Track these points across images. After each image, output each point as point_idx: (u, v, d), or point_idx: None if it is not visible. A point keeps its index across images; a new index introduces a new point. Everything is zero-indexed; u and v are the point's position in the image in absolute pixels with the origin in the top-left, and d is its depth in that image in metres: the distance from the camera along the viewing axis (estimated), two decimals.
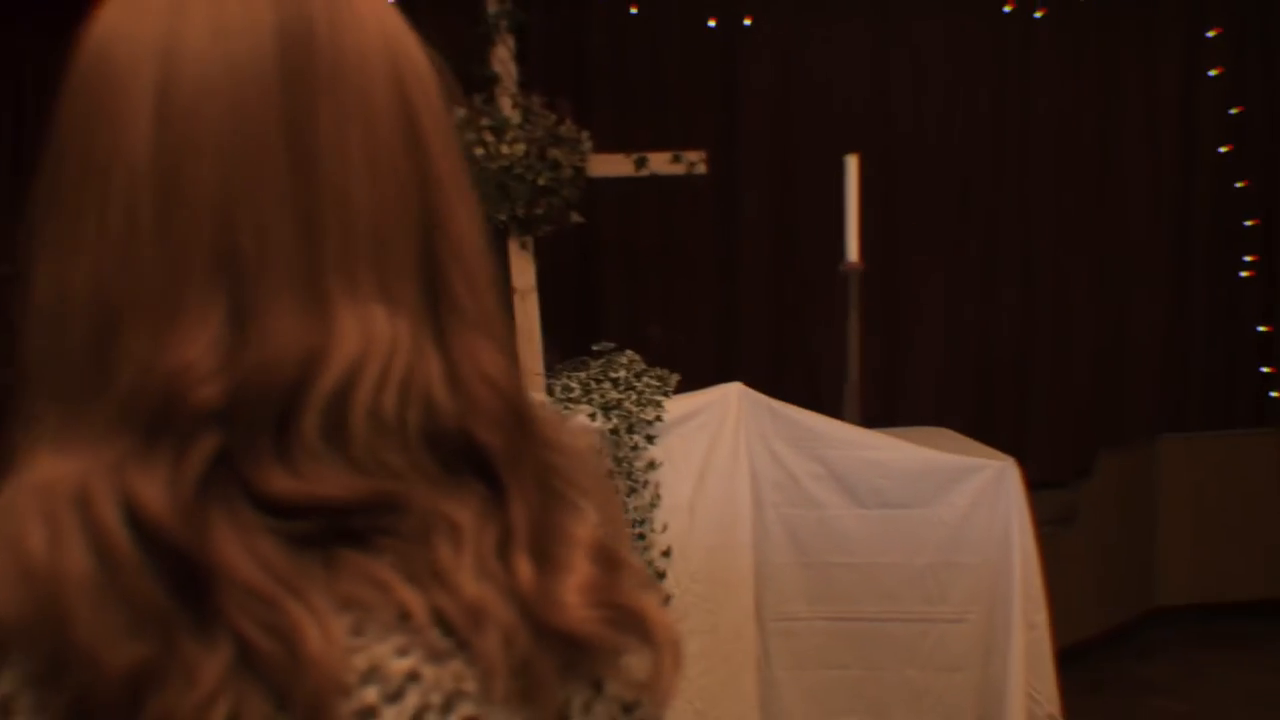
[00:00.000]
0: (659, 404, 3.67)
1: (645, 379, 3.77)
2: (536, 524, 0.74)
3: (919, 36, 5.84)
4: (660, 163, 4.45)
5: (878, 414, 5.06)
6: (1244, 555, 6.16)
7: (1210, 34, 6.05)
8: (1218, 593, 6.12)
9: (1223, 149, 6.14)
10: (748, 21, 5.72)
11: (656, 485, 3.63)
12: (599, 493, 0.79)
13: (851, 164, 4.10)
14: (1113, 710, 5.15)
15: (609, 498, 0.80)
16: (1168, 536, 6.13)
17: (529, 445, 0.76)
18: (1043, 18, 5.85)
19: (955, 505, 3.78)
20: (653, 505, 3.62)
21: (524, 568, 0.72)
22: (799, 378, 5.70)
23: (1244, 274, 6.25)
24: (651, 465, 3.63)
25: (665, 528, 3.60)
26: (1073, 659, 5.40)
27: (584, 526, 0.76)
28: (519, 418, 0.76)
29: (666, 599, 3.55)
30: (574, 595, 0.73)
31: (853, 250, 4.11)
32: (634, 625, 0.75)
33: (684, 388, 3.80)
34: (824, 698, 3.82)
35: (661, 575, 3.57)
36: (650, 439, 3.64)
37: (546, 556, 0.73)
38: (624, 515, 0.76)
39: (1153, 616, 6.09)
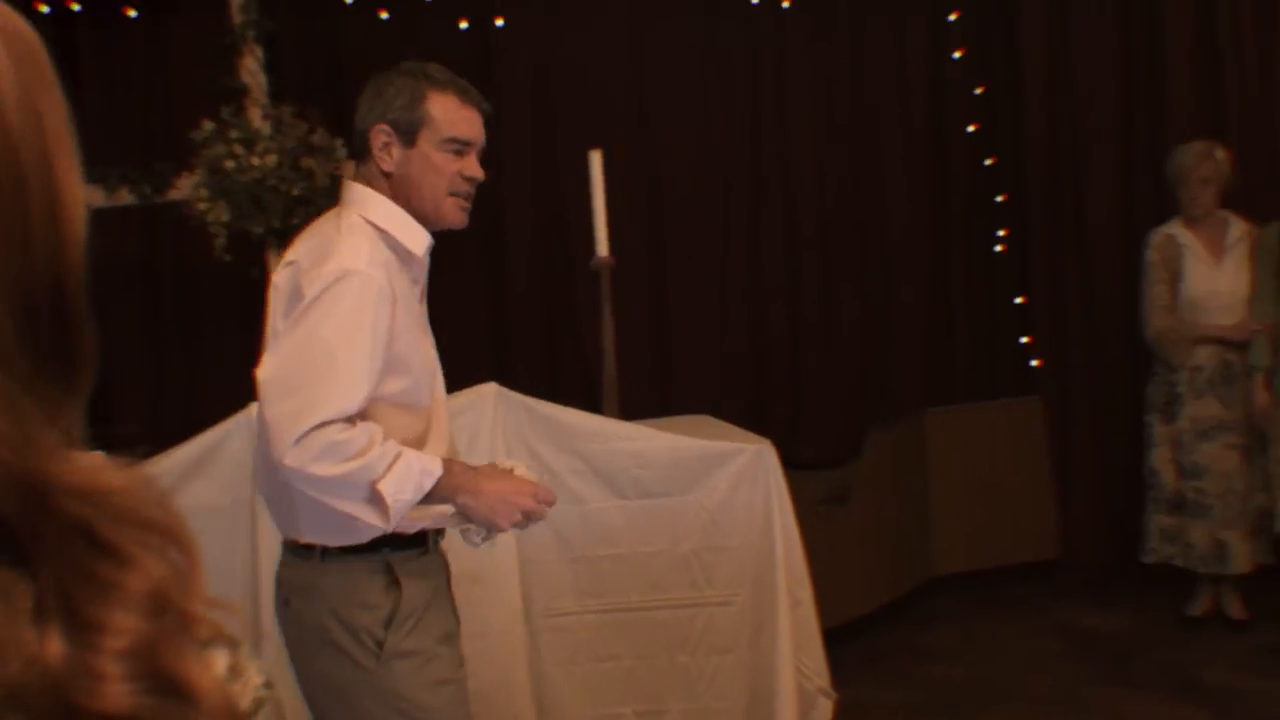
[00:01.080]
0: None
1: None
2: (69, 588, 0.68)
3: (672, 30, 6.00)
4: None
5: (653, 405, 5.23)
6: (1013, 521, 6.51)
7: (951, 17, 6.36)
8: (990, 559, 6.45)
9: (970, 128, 6.45)
10: (499, 22, 5.82)
11: None
12: (164, 538, 0.73)
13: (595, 159, 4.22)
14: (895, 679, 5.40)
15: (179, 542, 0.74)
16: (940, 507, 6.44)
17: (52, 503, 0.69)
18: (790, 7, 6.07)
19: (715, 490, 3.93)
20: None
21: (54, 643, 0.66)
22: (574, 374, 5.83)
23: (998, 248, 6.58)
24: None
25: None
26: (856, 632, 5.66)
27: (137, 578, 0.70)
28: (30, 478, 0.69)
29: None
30: (113, 665, 0.67)
31: (602, 245, 4.24)
32: (179, 694, 0.70)
33: (453, 390, 3.88)
34: (598, 690, 3.94)
35: None
36: None
37: (83, 623, 0.67)
38: (193, 545, 0.74)
39: (931, 586, 6.39)
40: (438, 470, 2.60)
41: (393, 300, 2.64)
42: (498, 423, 3.79)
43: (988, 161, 6.51)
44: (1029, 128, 6.45)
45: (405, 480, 2.55)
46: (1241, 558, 5.55)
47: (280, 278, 2.74)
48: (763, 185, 6.17)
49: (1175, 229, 5.66)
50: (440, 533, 2.89)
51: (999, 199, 6.54)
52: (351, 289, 2.59)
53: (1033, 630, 5.89)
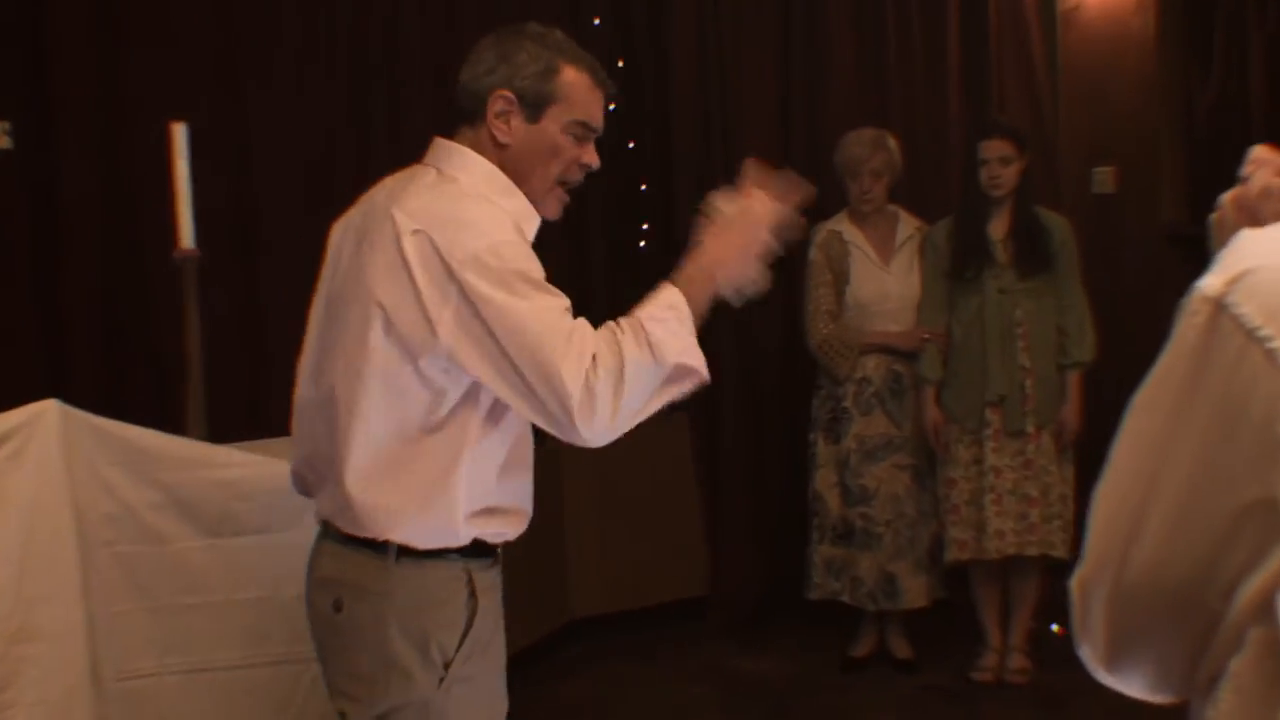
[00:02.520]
0: None
1: None
2: None
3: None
4: None
5: (248, 425, 5.11)
6: (657, 556, 6.68)
7: None
8: (635, 599, 6.61)
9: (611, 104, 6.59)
10: None
11: None
12: None
13: (178, 132, 4.11)
14: None
15: None
16: (577, 543, 6.56)
17: None
18: None
19: None
20: None
21: None
22: (146, 386, 5.66)
23: (641, 244, 6.77)
24: None
25: None
26: None
27: None
28: None
29: None
30: None
31: (186, 235, 4.14)
32: None
33: (5, 407, 3.72)
34: None
35: None
36: None
37: None
38: None
39: (568, 630, 6.50)
40: (676, 295, 2.79)
41: None
42: (60, 446, 3.64)
43: (630, 144, 6.67)
44: (675, 111, 6.65)
45: (671, 331, 2.74)
46: (912, 592, 5.88)
47: (409, 246, 2.71)
48: (369, 167, 6.13)
49: (841, 225, 5.93)
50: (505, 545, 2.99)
51: (642, 187, 6.72)
52: (509, 250, 2.71)
53: (684, 676, 6.08)
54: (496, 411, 2.82)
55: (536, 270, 2.73)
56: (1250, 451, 1.23)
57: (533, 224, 2.93)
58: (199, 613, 3.82)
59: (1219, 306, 1.24)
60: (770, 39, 6.77)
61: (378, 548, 2.81)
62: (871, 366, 5.86)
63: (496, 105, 2.87)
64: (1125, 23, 6.89)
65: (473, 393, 2.79)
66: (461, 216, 2.76)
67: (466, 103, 2.92)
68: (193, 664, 3.82)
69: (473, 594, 2.84)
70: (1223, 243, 1.54)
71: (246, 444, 4.16)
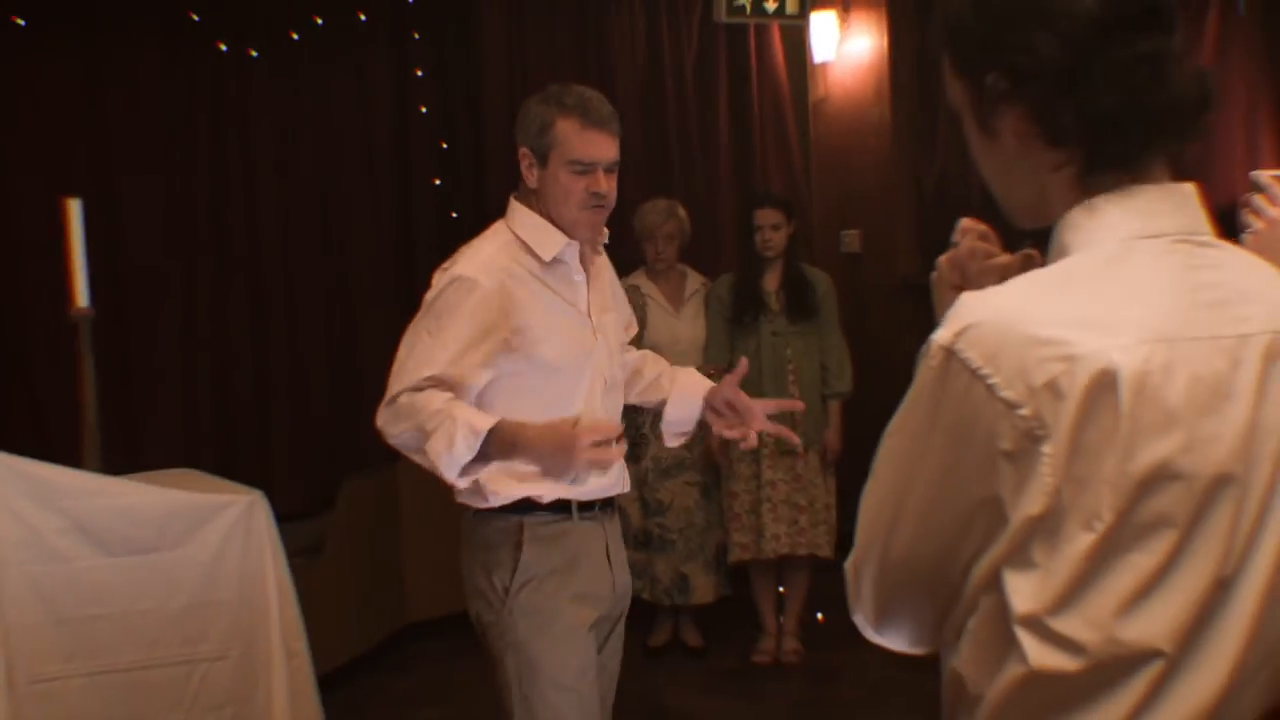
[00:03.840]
0: None
1: None
2: None
3: (135, 73, 5.88)
4: None
5: (122, 462, 5.07)
6: None
7: (418, 72, 6.58)
8: (462, 603, 6.63)
9: (436, 180, 6.68)
10: None
11: None
12: None
13: (72, 208, 4.12)
14: None
15: None
16: (412, 554, 6.59)
17: None
18: (259, 56, 6.09)
19: (207, 543, 3.91)
20: None
21: None
22: (26, 428, 5.58)
23: None
24: None
25: None
26: (335, 681, 5.68)
27: None
28: None
29: None
30: None
31: (81, 295, 4.14)
32: None
33: None
34: None
35: None
36: None
37: None
38: None
39: (406, 632, 6.52)
40: (483, 429, 2.92)
41: (499, 298, 3.08)
42: None
43: (454, 215, 6.74)
44: (489, 189, 6.74)
45: (449, 438, 2.92)
46: (702, 589, 6.04)
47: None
48: (231, 237, 6.13)
49: (639, 280, 6.07)
50: (596, 504, 3.26)
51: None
52: (452, 290, 3.10)
53: None
54: (497, 400, 3.13)
55: (457, 313, 3.07)
56: (978, 461, 1.39)
57: (552, 247, 3.18)
58: (100, 622, 3.78)
59: (950, 352, 1.39)
60: None
61: (463, 509, 3.26)
62: None
63: (523, 161, 3.20)
64: (866, 111, 7.15)
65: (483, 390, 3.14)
66: (465, 254, 3.21)
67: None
68: (96, 667, 3.79)
69: (519, 544, 3.16)
70: (941, 295, 1.73)
71: (136, 475, 4.16)
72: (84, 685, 3.78)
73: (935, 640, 1.54)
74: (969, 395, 1.37)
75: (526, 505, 3.18)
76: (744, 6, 6.84)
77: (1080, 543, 1.35)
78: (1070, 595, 1.36)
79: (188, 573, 3.91)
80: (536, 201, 3.21)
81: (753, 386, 5.77)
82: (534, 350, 3.15)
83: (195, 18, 5.87)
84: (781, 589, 6.12)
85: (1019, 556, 1.38)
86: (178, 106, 5.95)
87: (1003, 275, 1.61)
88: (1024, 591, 1.37)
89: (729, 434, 3.43)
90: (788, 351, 5.86)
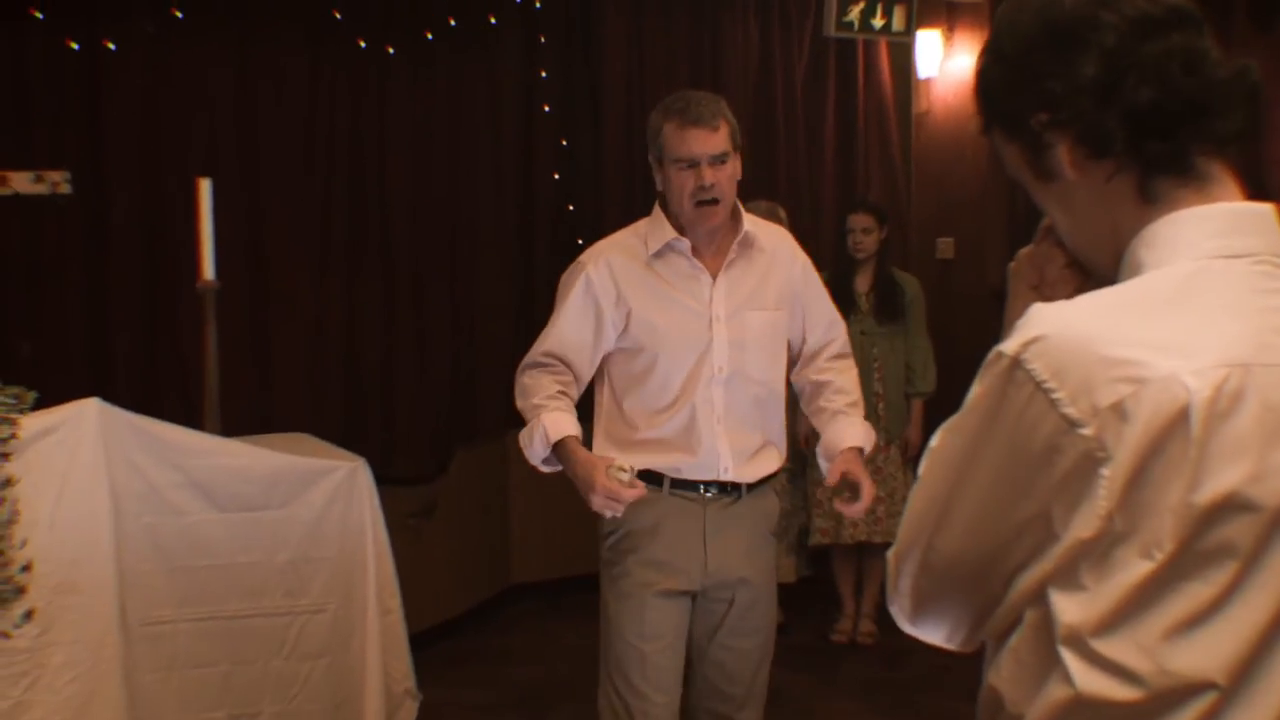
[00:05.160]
0: (13, 422, 3.54)
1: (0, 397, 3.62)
2: None
3: (280, 65, 5.87)
4: (22, 182, 4.30)
5: (254, 423, 5.07)
6: (586, 533, 6.66)
7: (542, 73, 6.50)
8: (564, 569, 6.59)
9: (556, 175, 6.61)
10: (111, 45, 5.53)
11: (15, 502, 3.49)
12: None
13: (204, 186, 4.11)
14: (479, 679, 5.46)
15: None
16: (518, 521, 6.55)
17: None
18: (395, 53, 6.05)
19: (312, 504, 3.89)
20: (11, 521, 3.48)
21: None
22: (174, 391, 5.60)
23: None
24: (9, 482, 3.49)
25: (25, 543, 3.48)
26: (441, 636, 5.69)
27: None
28: None
29: (29, 614, 3.44)
30: None
31: (208, 268, 4.13)
32: None
33: (57, 404, 3.67)
34: (194, 696, 3.80)
35: (21, 590, 3.45)
36: (5, 456, 3.50)
37: None
38: None
39: (509, 593, 6.48)
40: (554, 439, 3.19)
41: (607, 282, 3.27)
42: (99, 436, 3.60)
43: (570, 207, 6.66)
44: (605, 184, 6.65)
45: (531, 435, 3.25)
46: (784, 569, 5.90)
47: None
48: (361, 217, 6.11)
49: None
50: (699, 484, 3.32)
51: (579, 241, 6.70)
52: (567, 275, 3.38)
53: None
54: (615, 372, 3.36)
55: (569, 296, 3.33)
56: (1031, 475, 1.26)
57: (659, 240, 3.30)
58: (209, 572, 3.79)
59: (1016, 362, 1.26)
60: None
61: None
62: None
63: (654, 169, 3.32)
64: (965, 125, 6.96)
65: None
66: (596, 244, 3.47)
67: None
68: (203, 614, 3.79)
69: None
70: (1015, 290, 1.59)
71: (251, 438, 4.14)
72: (191, 630, 3.78)
73: (970, 641, 1.42)
74: (1029, 407, 1.25)
75: (644, 475, 3.23)
76: (853, 23, 6.68)
77: (1136, 570, 1.21)
78: (1119, 620, 1.23)
79: (292, 530, 3.89)
80: (665, 203, 3.32)
81: None
82: (640, 333, 3.25)
83: (338, 16, 5.83)
84: (860, 574, 5.98)
85: (1066, 577, 1.25)
86: (319, 98, 5.92)
87: (1080, 285, 1.48)
88: (1071, 612, 1.25)
89: (842, 508, 3.39)
90: (874, 350, 5.72)
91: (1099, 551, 1.22)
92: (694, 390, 3.26)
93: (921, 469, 1.41)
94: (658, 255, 3.29)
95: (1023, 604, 1.30)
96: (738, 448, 3.31)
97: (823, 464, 3.44)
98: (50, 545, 3.49)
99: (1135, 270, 1.34)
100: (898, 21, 6.76)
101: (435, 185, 6.21)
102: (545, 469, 3.31)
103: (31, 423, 3.52)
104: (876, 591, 5.92)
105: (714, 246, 3.35)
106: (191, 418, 4.34)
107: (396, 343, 6.20)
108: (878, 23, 6.72)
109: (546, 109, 6.52)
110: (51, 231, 5.41)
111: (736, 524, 3.35)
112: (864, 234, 5.71)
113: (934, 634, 1.44)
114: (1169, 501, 1.20)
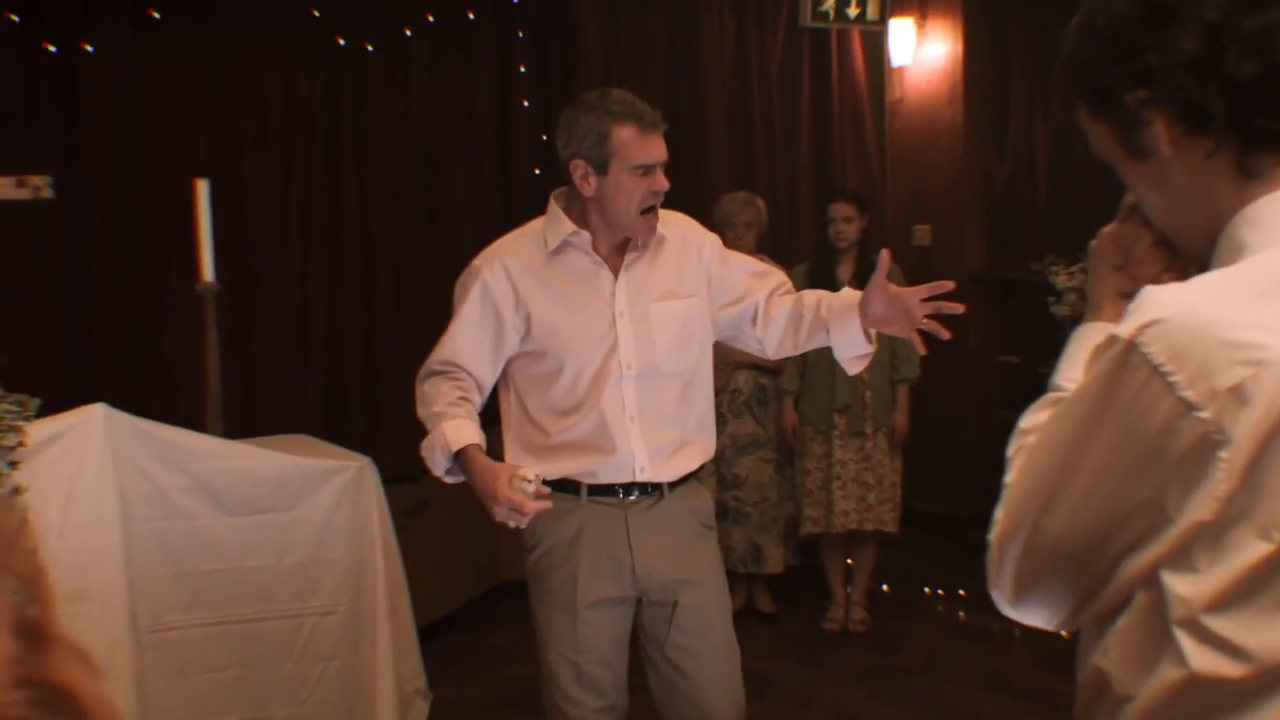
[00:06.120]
0: (19, 430, 3.50)
1: (3, 405, 3.58)
2: None
3: (259, 64, 5.84)
4: (4, 187, 4.26)
5: (239, 425, 5.05)
6: None
7: (521, 68, 6.49)
8: None
9: (536, 170, 6.60)
10: (88, 48, 5.48)
11: (24, 510, 3.46)
12: (18, 565, 0.73)
13: (201, 187, 4.08)
14: (470, 677, 5.44)
15: (31, 569, 0.73)
16: None
17: None
18: (374, 50, 6.03)
19: (319, 505, 3.87)
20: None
21: None
22: (157, 395, 5.57)
23: None
24: (17, 490, 3.46)
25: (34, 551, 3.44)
26: (431, 635, 5.65)
27: None
28: None
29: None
30: None
31: (207, 270, 4.10)
32: (63, 703, 0.70)
33: (41, 412, 3.64)
34: (205, 700, 3.78)
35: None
36: (13, 464, 3.47)
37: None
38: (49, 584, 0.72)
39: (499, 589, 6.47)
40: (453, 450, 3.03)
41: (503, 284, 3.12)
42: (106, 441, 3.57)
43: None
44: None
45: (431, 446, 3.08)
46: (774, 559, 5.94)
47: None
48: (341, 215, 6.09)
49: None
50: (616, 487, 3.18)
51: None
52: (462, 279, 3.24)
53: None
54: (518, 378, 3.23)
55: (465, 303, 3.19)
56: (1145, 459, 1.26)
57: (557, 236, 3.10)
58: (219, 576, 3.76)
59: (1131, 346, 1.25)
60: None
61: None
62: (742, 379, 5.88)
63: (576, 171, 3.03)
64: (939, 112, 7.02)
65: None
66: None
67: (563, 168, 3.08)
68: (213, 618, 3.77)
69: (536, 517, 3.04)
70: (1098, 270, 1.57)
71: (252, 440, 4.12)
72: (202, 634, 3.76)
73: (1071, 622, 1.41)
74: (1145, 391, 1.24)
75: (558, 483, 3.12)
76: (828, 13, 6.71)
77: (1253, 551, 1.22)
78: (1234, 599, 1.23)
79: (300, 532, 3.87)
80: (590, 207, 3.07)
81: (825, 371, 5.69)
82: (542, 335, 3.12)
83: (316, 13, 5.81)
84: (849, 561, 6.01)
85: (1180, 560, 1.25)
86: (298, 96, 5.90)
87: (1167, 265, 1.48)
88: (1184, 594, 1.25)
89: (897, 332, 3.13)
90: None
91: (1213, 533, 1.23)
92: (602, 389, 3.12)
93: (1016, 454, 1.40)
94: (556, 253, 3.11)
95: (1132, 586, 1.30)
96: (654, 446, 3.17)
97: (847, 349, 3.22)
98: (60, 552, 3.46)
99: (1236, 250, 1.33)
100: (872, 10, 6.80)
101: (415, 181, 6.20)
102: (449, 480, 3.14)
103: (38, 430, 3.48)
104: (867, 579, 5.95)
105: (615, 240, 3.17)
106: (175, 421, 4.30)
107: (379, 340, 6.19)
108: (852, 12, 6.76)
109: (525, 104, 6.52)
110: (27, 235, 5.36)
111: (662, 525, 3.20)
112: (845, 223, 5.73)
113: (1036, 616, 1.43)
114: None
